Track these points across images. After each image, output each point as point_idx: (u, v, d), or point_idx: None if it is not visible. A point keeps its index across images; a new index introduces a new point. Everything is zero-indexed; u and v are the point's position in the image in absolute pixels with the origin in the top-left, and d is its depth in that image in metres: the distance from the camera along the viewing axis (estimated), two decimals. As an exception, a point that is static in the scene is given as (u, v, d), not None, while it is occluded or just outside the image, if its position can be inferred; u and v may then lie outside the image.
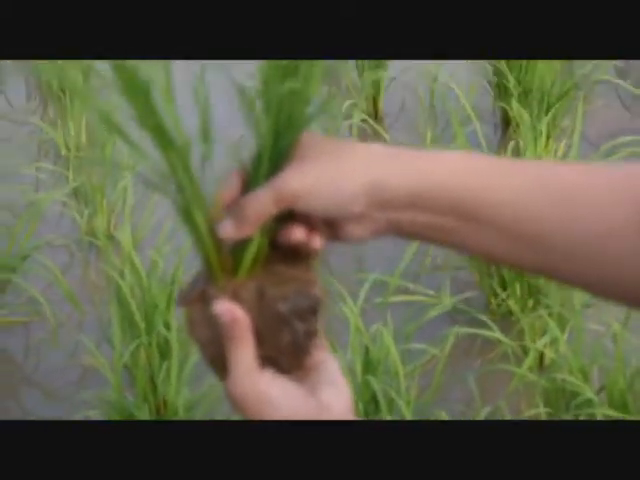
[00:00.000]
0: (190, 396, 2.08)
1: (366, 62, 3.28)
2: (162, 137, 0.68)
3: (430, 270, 2.72)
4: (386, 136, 3.25)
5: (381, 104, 3.33)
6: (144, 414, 2.00)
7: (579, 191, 0.68)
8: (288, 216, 0.70)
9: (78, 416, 2.21)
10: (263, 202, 0.68)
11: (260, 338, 0.69)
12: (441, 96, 3.35)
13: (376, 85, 3.31)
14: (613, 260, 0.68)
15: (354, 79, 3.42)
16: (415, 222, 0.70)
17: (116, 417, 2.03)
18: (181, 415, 2.01)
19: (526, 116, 2.67)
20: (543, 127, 2.69)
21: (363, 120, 3.24)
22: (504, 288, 2.51)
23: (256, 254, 0.70)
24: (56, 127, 3.27)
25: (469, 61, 3.42)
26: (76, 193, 2.97)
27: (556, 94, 2.94)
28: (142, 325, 2.15)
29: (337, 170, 0.69)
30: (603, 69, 3.26)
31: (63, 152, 3.16)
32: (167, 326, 2.16)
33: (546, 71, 3.01)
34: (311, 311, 0.69)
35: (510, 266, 0.71)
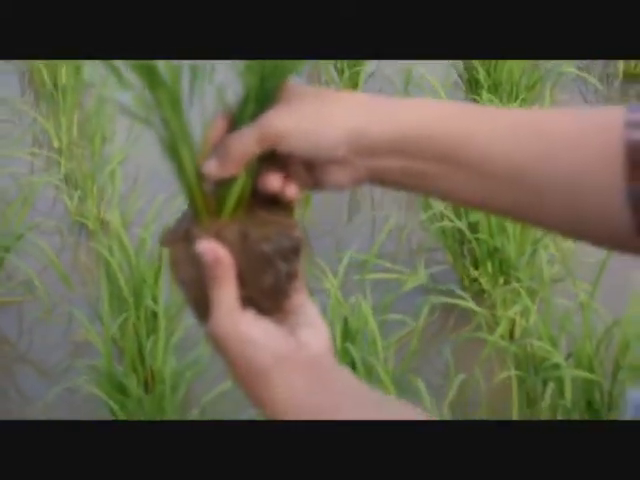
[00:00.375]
0: (176, 366, 2.15)
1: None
2: (151, 72, 0.68)
3: (405, 252, 2.80)
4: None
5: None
6: (132, 383, 2.07)
7: (552, 131, 0.70)
8: (271, 158, 0.71)
9: (69, 384, 2.27)
10: (247, 141, 0.69)
11: (242, 279, 0.69)
12: (416, 89, 3.43)
13: (354, 78, 3.38)
14: (582, 197, 0.69)
15: (333, 76, 3.50)
16: (395, 169, 0.71)
17: (107, 386, 2.10)
18: (167, 383, 2.07)
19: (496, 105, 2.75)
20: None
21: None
22: (476, 267, 2.59)
23: (240, 195, 0.71)
24: (49, 120, 3.33)
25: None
26: (67, 179, 3.04)
27: (524, 86, 3.02)
28: (130, 300, 2.22)
29: (320, 114, 0.70)
30: (568, 63, 3.34)
31: (56, 144, 3.23)
32: (155, 300, 2.23)
33: (514, 65, 3.10)
34: (293, 252, 0.70)
35: (488, 210, 0.73)
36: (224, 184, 0.70)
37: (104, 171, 2.82)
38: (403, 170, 0.71)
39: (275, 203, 0.72)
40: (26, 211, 2.63)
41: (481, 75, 3.01)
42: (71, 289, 2.64)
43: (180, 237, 0.70)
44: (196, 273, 0.70)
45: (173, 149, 0.70)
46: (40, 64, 3.44)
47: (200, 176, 0.70)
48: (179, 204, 2.93)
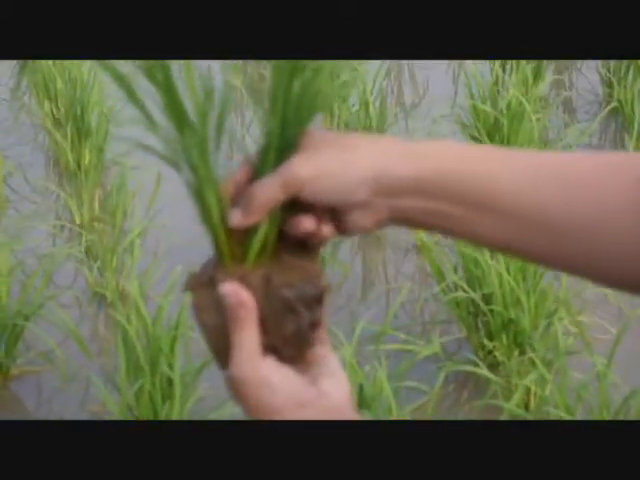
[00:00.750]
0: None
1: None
2: (179, 115, 0.69)
3: (419, 324, 2.80)
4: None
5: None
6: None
7: (577, 174, 0.70)
8: (295, 206, 0.71)
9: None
10: (270, 189, 0.69)
11: (265, 326, 0.69)
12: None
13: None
14: (611, 240, 0.68)
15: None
16: (417, 209, 0.71)
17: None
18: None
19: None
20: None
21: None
22: (491, 339, 2.58)
23: (264, 242, 0.70)
24: (72, 197, 3.38)
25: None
26: (87, 252, 3.06)
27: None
28: (147, 367, 2.22)
29: (343, 158, 0.70)
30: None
31: (77, 220, 3.27)
32: (170, 367, 2.23)
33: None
34: (316, 300, 0.69)
35: (511, 253, 0.72)
36: (249, 231, 0.70)
37: (124, 244, 2.85)
38: (425, 211, 0.71)
39: (301, 249, 0.72)
40: (46, 282, 2.65)
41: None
42: (90, 358, 2.64)
43: (204, 282, 0.70)
44: (219, 319, 0.70)
45: (199, 193, 0.70)
46: (67, 147, 3.50)
47: (225, 222, 0.70)
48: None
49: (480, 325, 2.61)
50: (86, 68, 3.68)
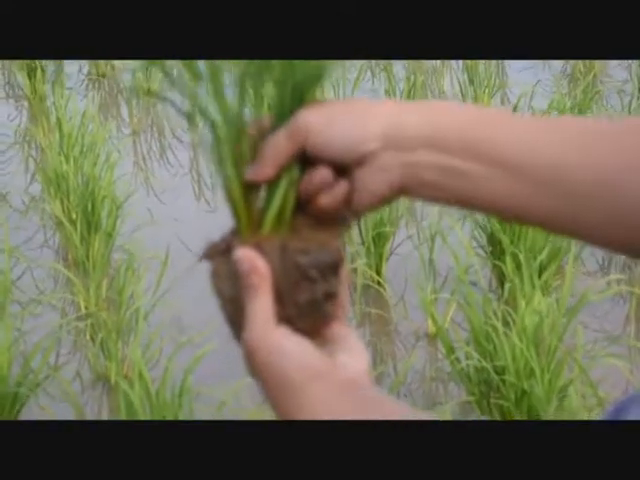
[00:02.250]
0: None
1: (370, 227, 3.36)
2: (195, 69, 0.67)
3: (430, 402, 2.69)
4: (388, 291, 3.28)
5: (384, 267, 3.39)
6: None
7: (596, 132, 0.65)
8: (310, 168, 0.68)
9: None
10: (278, 139, 0.67)
11: (280, 296, 0.66)
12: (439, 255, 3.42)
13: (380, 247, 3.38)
14: (631, 198, 0.63)
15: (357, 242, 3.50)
16: (431, 165, 0.66)
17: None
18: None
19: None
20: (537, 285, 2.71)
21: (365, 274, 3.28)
22: (503, 414, 2.47)
23: (281, 209, 0.68)
24: (79, 289, 3.32)
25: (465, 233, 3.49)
26: (92, 336, 2.98)
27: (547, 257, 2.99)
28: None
29: (353, 109, 0.67)
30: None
31: (84, 309, 3.21)
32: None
33: (538, 234, 3.08)
34: (331, 268, 0.67)
35: (527, 219, 0.67)
36: (266, 197, 0.69)
37: (130, 324, 2.78)
38: (438, 167, 0.66)
39: (323, 224, 0.70)
40: (49, 354, 2.57)
41: (505, 244, 2.99)
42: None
43: (221, 250, 0.68)
44: (235, 289, 0.67)
45: (219, 160, 0.68)
46: (76, 241, 3.47)
47: (243, 189, 0.68)
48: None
49: (492, 397, 2.50)
50: (99, 164, 3.68)
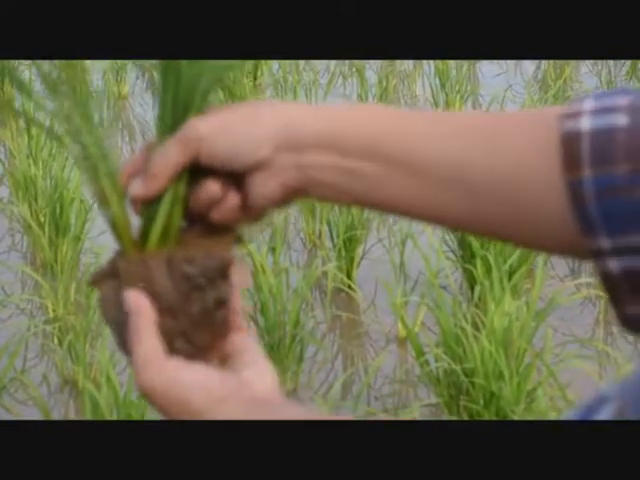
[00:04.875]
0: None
1: (342, 238, 3.36)
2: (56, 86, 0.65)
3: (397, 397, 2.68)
4: (358, 293, 3.28)
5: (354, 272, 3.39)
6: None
7: (497, 129, 0.64)
8: (198, 180, 0.67)
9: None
10: (169, 151, 0.65)
11: (173, 311, 0.65)
12: (409, 260, 3.42)
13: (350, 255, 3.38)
14: (520, 194, 0.63)
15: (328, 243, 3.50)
16: (326, 166, 0.65)
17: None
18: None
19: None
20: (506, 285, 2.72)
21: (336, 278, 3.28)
22: (472, 414, 2.47)
23: (167, 224, 0.66)
24: (47, 293, 3.30)
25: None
26: (60, 341, 2.96)
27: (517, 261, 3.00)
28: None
29: (246, 113, 0.65)
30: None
31: (52, 312, 3.18)
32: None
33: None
34: (219, 274, 0.65)
35: (419, 216, 0.66)
36: (150, 213, 0.66)
37: (98, 329, 2.75)
38: (333, 168, 0.65)
39: (209, 234, 0.68)
40: (15, 356, 2.54)
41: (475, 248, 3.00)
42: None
43: (108, 275, 0.66)
44: (123, 314, 0.65)
45: (93, 174, 0.66)
46: (45, 244, 3.44)
47: (124, 207, 0.66)
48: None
49: (461, 400, 2.50)
50: (68, 166, 3.65)
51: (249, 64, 5.14)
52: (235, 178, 0.67)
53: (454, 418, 2.52)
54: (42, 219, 3.60)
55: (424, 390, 2.76)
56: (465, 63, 5.32)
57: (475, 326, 2.77)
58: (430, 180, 0.64)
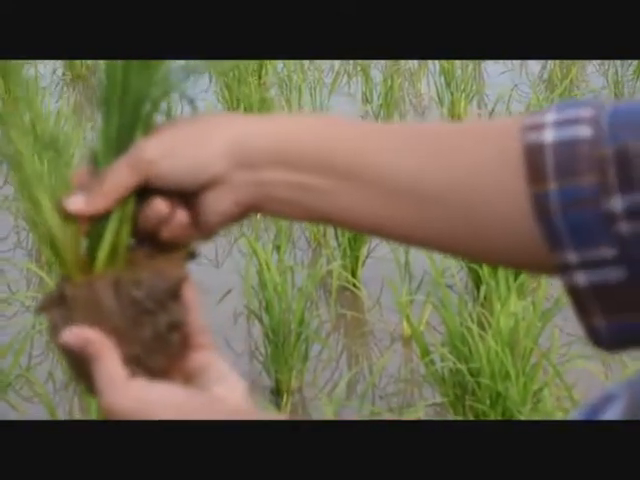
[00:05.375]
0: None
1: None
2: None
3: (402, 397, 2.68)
4: (363, 292, 3.28)
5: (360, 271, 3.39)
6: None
7: (451, 139, 0.63)
8: (147, 199, 0.65)
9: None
10: (118, 171, 0.64)
11: (123, 335, 0.62)
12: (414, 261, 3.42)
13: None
14: (484, 207, 0.61)
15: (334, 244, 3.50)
16: (280, 182, 0.64)
17: None
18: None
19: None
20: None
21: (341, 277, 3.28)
22: (477, 415, 2.47)
23: (114, 245, 0.64)
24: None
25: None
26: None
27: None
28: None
29: (196, 131, 0.64)
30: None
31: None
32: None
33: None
34: (170, 295, 0.63)
35: (381, 231, 0.65)
36: (96, 234, 0.64)
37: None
38: (287, 184, 0.64)
39: (159, 252, 0.66)
40: (21, 354, 2.53)
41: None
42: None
43: (55, 300, 0.63)
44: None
45: (29, 194, 0.63)
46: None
47: (68, 230, 0.63)
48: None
49: (467, 400, 2.50)
50: (73, 165, 3.65)
51: (254, 63, 5.13)
52: (184, 195, 0.66)
53: (459, 418, 2.52)
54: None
55: (429, 390, 2.76)
56: (470, 62, 5.31)
57: (481, 326, 2.77)
58: (384, 194, 0.63)
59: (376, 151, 0.63)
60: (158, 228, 0.66)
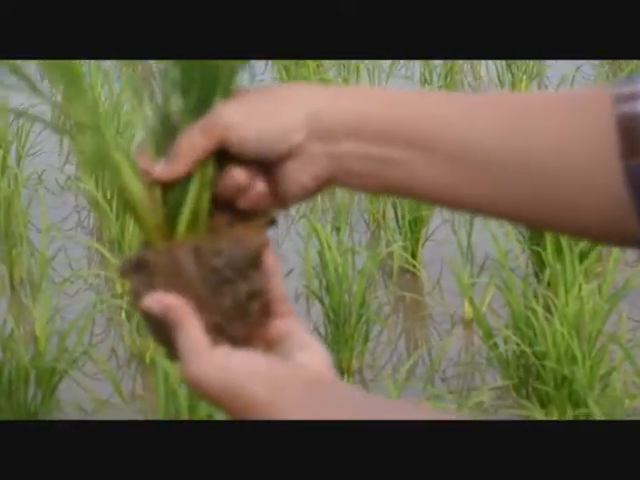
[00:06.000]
0: None
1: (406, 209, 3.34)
2: (73, 79, 0.63)
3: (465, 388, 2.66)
4: (423, 274, 3.26)
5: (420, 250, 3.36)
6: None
7: (531, 105, 0.62)
8: (226, 167, 0.65)
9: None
10: (194, 135, 0.63)
11: (203, 303, 0.62)
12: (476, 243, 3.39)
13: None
14: (572, 180, 0.60)
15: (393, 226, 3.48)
16: (358, 155, 0.63)
17: None
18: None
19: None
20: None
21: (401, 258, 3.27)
22: (542, 404, 2.44)
23: (194, 212, 0.64)
24: (116, 268, 3.33)
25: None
26: (127, 317, 2.98)
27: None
28: (186, 412, 2.11)
29: (274, 100, 0.63)
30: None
31: (119, 289, 3.21)
32: (210, 413, 2.11)
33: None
34: (249, 264, 0.62)
35: (461, 206, 0.64)
36: (176, 201, 0.63)
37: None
38: (365, 156, 0.63)
39: (238, 221, 0.65)
40: (85, 331, 2.56)
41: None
42: (126, 404, 2.54)
43: (136, 266, 0.63)
44: None
45: (108, 163, 0.62)
46: (112, 220, 3.47)
47: (148, 196, 0.63)
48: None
49: (531, 383, 2.47)
50: (134, 144, 3.67)
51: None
52: (263, 164, 0.65)
53: (523, 401, 2.50)
54: (108, 196, 3.63)
55: (490, 373, 2.74)
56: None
57: (546, 308, 2.73)
58: (463, 167, 0.62)
59: (456, 123, 0.62)
60: (236, 197, 0.65)
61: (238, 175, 0.64)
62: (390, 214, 3.64)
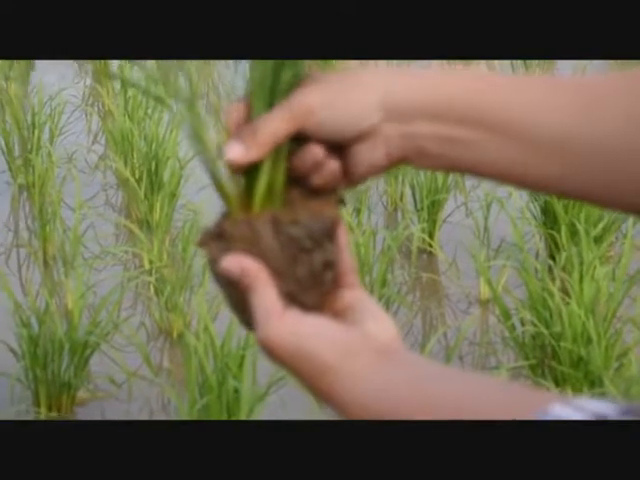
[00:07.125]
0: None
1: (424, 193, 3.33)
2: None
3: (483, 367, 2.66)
4: (441, 255, 3.26)
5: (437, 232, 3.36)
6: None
7: (599, 87, 0.61)
8: (301, 144, 0.65)
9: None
10: (275, 120, 0.63)
11: (279, 272, 0.62)
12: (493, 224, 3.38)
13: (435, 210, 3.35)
14: (637, 155, 0.59)
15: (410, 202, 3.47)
16: (431, 135, 0.63)
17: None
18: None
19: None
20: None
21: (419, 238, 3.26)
22: (557, 383, 2.44)
23: (271, 185, 0.65)
24: (144, 245, 3.34)
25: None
26: (156, 292, 2.99)
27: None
28: (215, 385, 2.11)
29: (351, 83, 0.64)
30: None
31: (147, 265, 3.22)
32: (239, 380, 2.12)
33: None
34: (326, 235, 0.63)
35: (529, 185, 0.64)
36: (255, 175, 0.64)
37: (193, 280, 2.77)
38: (438, 137, 0.63)
39: (317, 194, 0.66)
40: (117, 306, 2.58)
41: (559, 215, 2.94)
42: (155, 376, 2.54)
43: (215, 235, 0.64)
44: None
45: (199, 140, 0.64)
46: (140, 199, 3.47)
47: (230, 168, 0.64)
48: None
49: (547, 363, 2.47)
50: (162, 126, 3.67)
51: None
52: (336, 144, 0.65)
53: (539, 381, 2.49)
54: (137, 175, 3.63)
55: (506, 353, 2.73)
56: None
57: (563, 290, 2.73)
58: (539, 150, 0.62)
59: (535, 109, 0.62)
60: (311, 173, 0.66)
61: (316, 151, 0.64)
62: (408, 196, 3.63)
